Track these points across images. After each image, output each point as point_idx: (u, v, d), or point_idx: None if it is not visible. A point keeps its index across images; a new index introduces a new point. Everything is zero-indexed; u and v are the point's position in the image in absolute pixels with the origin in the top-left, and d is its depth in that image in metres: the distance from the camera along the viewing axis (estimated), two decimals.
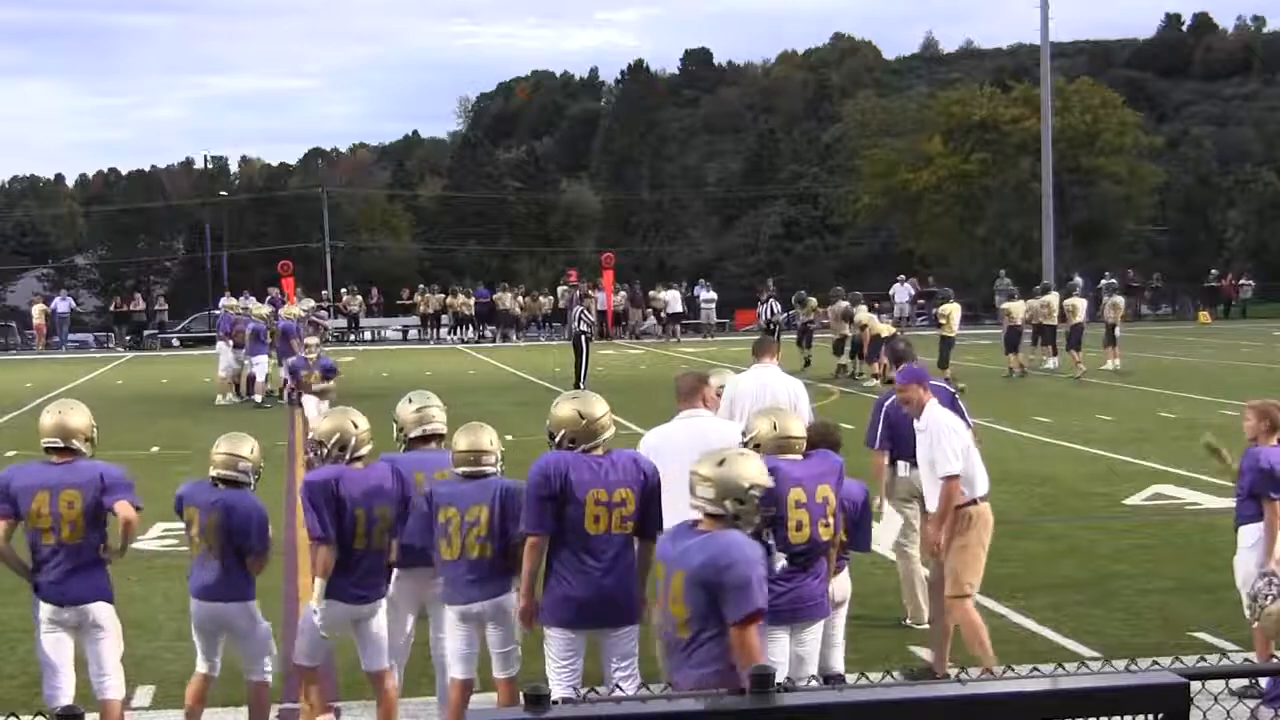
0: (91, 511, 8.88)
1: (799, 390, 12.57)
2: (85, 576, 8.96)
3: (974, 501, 10.67)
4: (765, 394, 11.85)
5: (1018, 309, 37.50)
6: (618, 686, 8.38)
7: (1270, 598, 10.03)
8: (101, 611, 9.04)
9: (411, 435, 10.00)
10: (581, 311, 35.76)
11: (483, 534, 8.89)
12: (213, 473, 9.56)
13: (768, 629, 8.44)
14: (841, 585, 9.73)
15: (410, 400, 10.19)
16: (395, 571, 9.76)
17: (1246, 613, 10.18)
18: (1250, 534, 10.32)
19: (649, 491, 8.61)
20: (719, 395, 11.49)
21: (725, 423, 10.80)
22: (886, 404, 12.25)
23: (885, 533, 11.80)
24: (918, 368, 11.48)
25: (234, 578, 9.41)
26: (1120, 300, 38.26)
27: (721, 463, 7.15)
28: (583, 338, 34.58)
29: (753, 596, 6.72)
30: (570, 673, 8.53)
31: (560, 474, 8.45)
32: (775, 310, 37.83)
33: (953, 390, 12.56)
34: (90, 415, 9.33)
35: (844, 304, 37.12)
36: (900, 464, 12.13)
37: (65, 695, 9.05)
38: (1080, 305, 36.80)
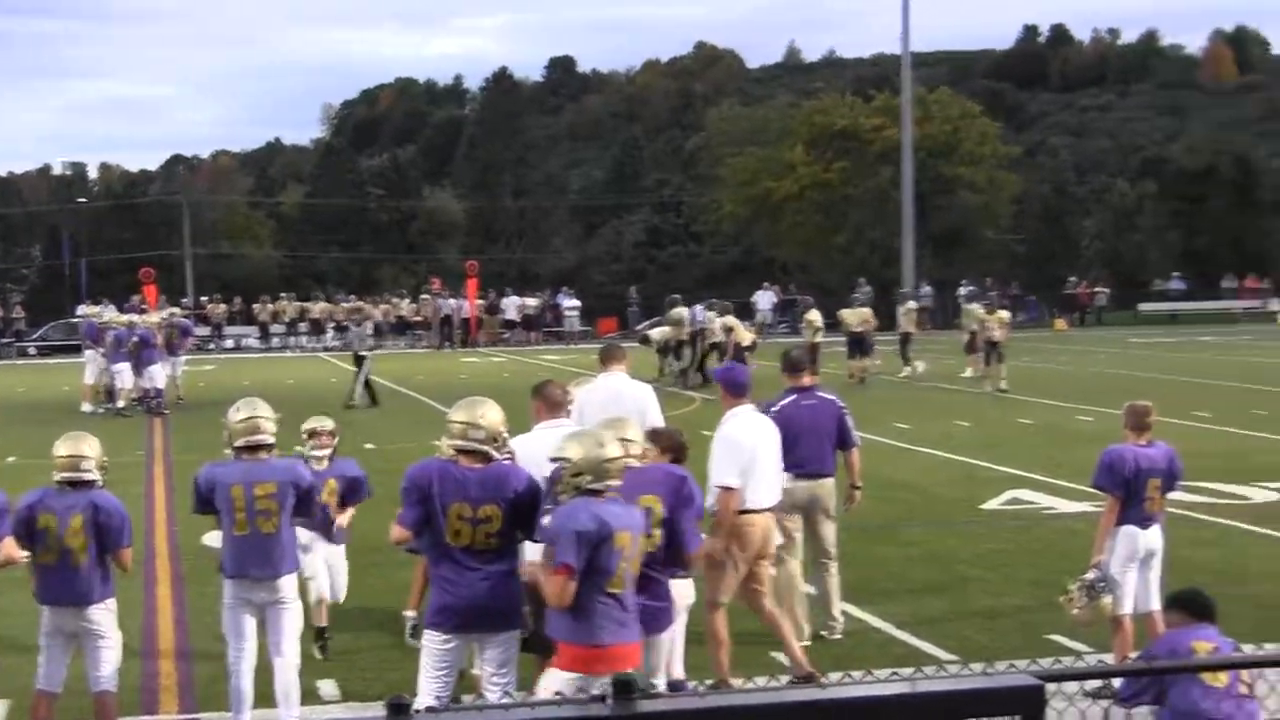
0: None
1: (647, 396, 12.13)
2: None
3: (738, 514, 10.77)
4: (613, 403, 11.32)
5: (852, 317, 37.81)
6: (482, 695, 8.32)
7: (1101, 590, 10.29)
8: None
9: (237, 444, 9.83)
10: (358, 333, 35.05)
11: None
12: (57, 477, 9.42)
13: None
14: (685, 592, 9.71)
15: (239, 409, 10.02)
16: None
17: (1060, 597, 10.45)
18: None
19: (521, 507, 8.42)
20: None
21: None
22: (771, 411, 11.78)
23: None
24: (726, 369, 11.66)
25: (97, 578, 9.33)
26: (979, 309, 38.30)
27: None
28: (360, 357, 33.13)
29: None
30: (442, 684, 8.38)
31: (425, 484, 8.37)
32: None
33: (842, 405, 12.54)
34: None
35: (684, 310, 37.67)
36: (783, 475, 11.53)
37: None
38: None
